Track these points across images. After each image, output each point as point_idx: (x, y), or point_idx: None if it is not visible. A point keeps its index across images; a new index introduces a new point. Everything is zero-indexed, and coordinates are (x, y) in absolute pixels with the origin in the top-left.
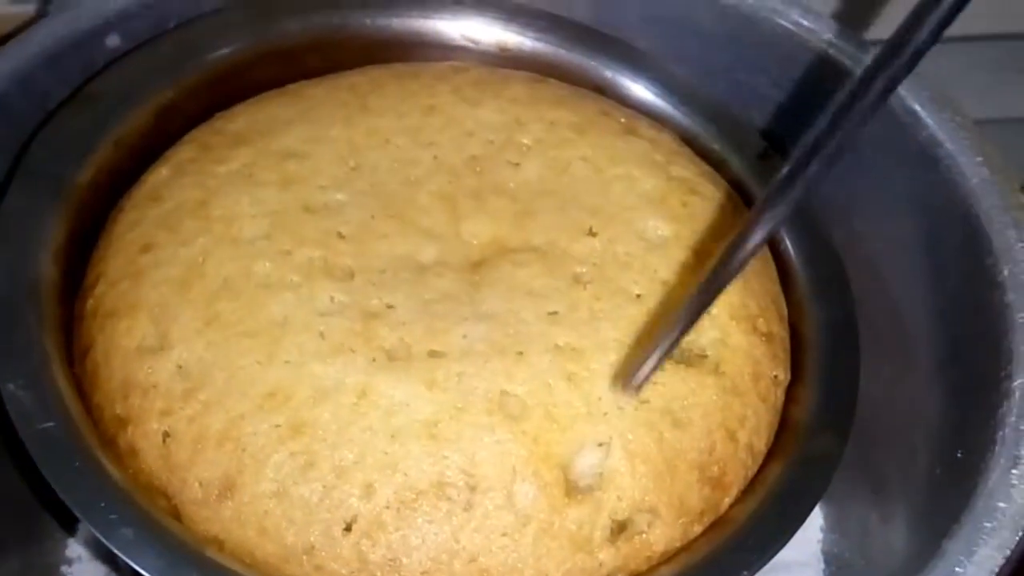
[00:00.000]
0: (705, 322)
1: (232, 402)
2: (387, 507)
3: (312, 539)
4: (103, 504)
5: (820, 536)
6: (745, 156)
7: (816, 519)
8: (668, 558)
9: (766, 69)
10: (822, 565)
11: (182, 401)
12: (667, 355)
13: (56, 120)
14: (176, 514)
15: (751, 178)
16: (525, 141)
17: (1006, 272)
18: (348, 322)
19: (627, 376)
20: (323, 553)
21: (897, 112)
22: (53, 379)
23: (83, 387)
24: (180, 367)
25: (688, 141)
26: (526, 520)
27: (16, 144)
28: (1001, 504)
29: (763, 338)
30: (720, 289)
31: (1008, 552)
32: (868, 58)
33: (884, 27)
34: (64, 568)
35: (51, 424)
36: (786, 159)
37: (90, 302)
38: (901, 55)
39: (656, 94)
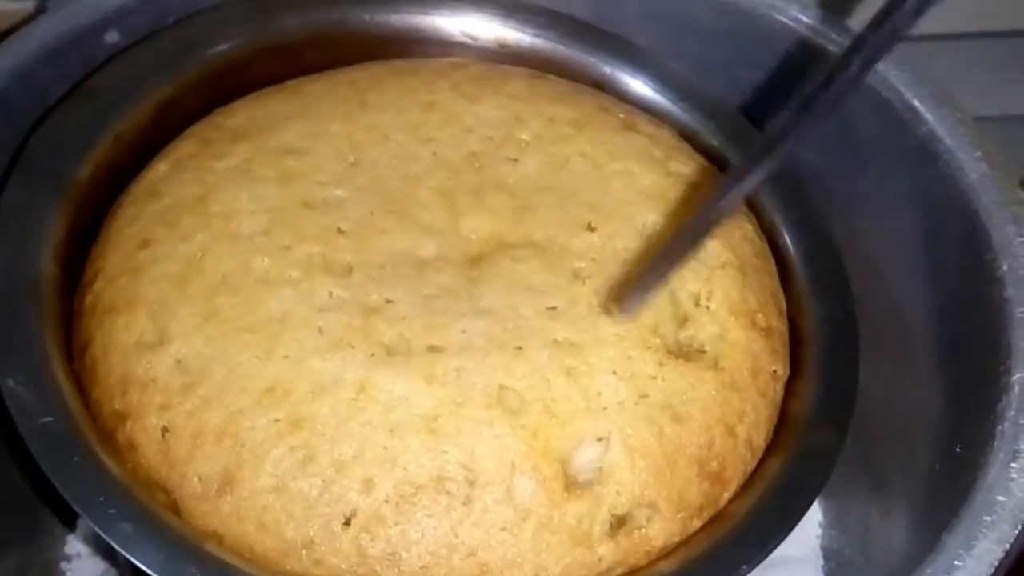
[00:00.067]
0: (704, 317)
1: (231, 397)
2: (386, 501)
3: (311, 533)
4: (102, 499)
5: (819, 532)
6: (744, 152)
7: (815, 515)
8: (667, 553)
9: (765, 65)
10: (821, 561)
11: (181, 396)
12: (659, 284)
13: (55, 116)
14: (175, 509)
15: None
16: (524, 137)
17: (1005, 267)
18: (347, 317)
19: (619, 300)
20: (322, 547)
21: (897, 108)
22: (52, 375)
23: (82, 383)
24: (179, 362)
25: (687, 137)
26: (525, 515)
27: (15, 140)
28: (1000, 498)
29: (762, 333)
30: (720, 220)
31: (1007, 546)
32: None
33: None
34: (63, 564)
35: (50, 419)
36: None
37: (89, 298)
38: (880, 33)
39: (655, 90)
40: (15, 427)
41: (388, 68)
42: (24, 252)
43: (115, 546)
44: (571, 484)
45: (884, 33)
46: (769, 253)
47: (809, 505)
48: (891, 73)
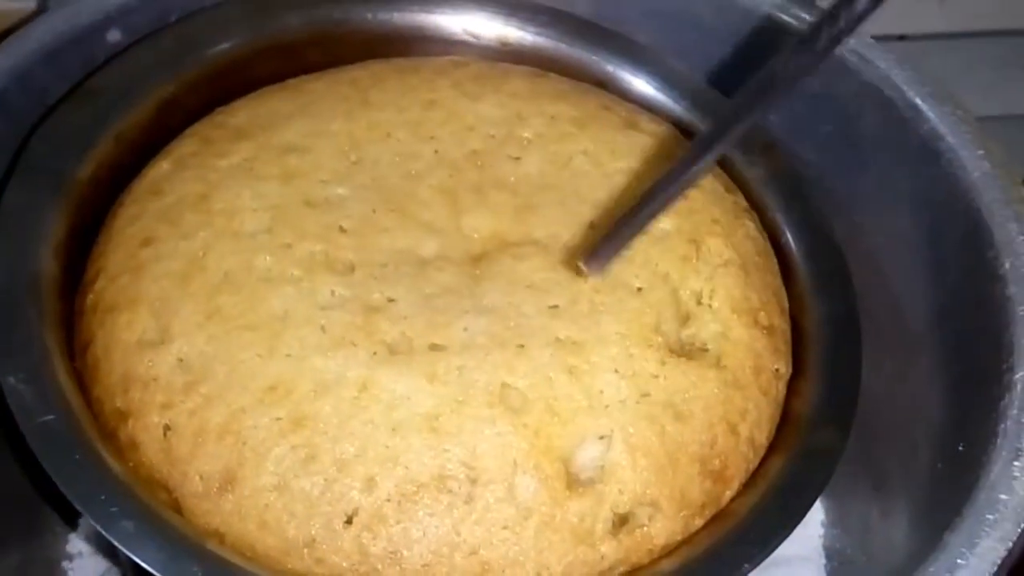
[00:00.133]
0: (707, 315)
1: (233, 395)
2: (388, 500)
3: (313, 532)
4: (104, 497)
5: (821, 531)
6: (747, 151)
7: (817, 514)
8: (669, 551)
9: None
10: (823, 560)
11: (183, 394)
12: (629, 242)
13: (56, 115)
14: (177, 507)
15: (753, 173)
16: (526, 135)
17: (1007, 265)
18: (349, 316)
19: (587, 259)
20: (324, 546)
21: (899, 107)
22: (54, 373)
23: (84, 381)
24: (181, 360)
25: (689, 135)
26: (527, 513)
27: (16, 140)
28: (1003, 496)
29: (764, 331)
30: (694, 180)
31: (1010, 544)
32: (868, 52)
33: (885, 22)
34: (65, 563)
35: (52, 418)
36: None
37: (90, 297)
38: (849, 10)
39: (657, 88)
40: (16, 425)
41: (389, 66)
42: (25, 251)
43: (117, 544)
44: (573, 482)
45: (854, 8)
46: (771, 251)
47: (811, 504)
48: (893, 72)
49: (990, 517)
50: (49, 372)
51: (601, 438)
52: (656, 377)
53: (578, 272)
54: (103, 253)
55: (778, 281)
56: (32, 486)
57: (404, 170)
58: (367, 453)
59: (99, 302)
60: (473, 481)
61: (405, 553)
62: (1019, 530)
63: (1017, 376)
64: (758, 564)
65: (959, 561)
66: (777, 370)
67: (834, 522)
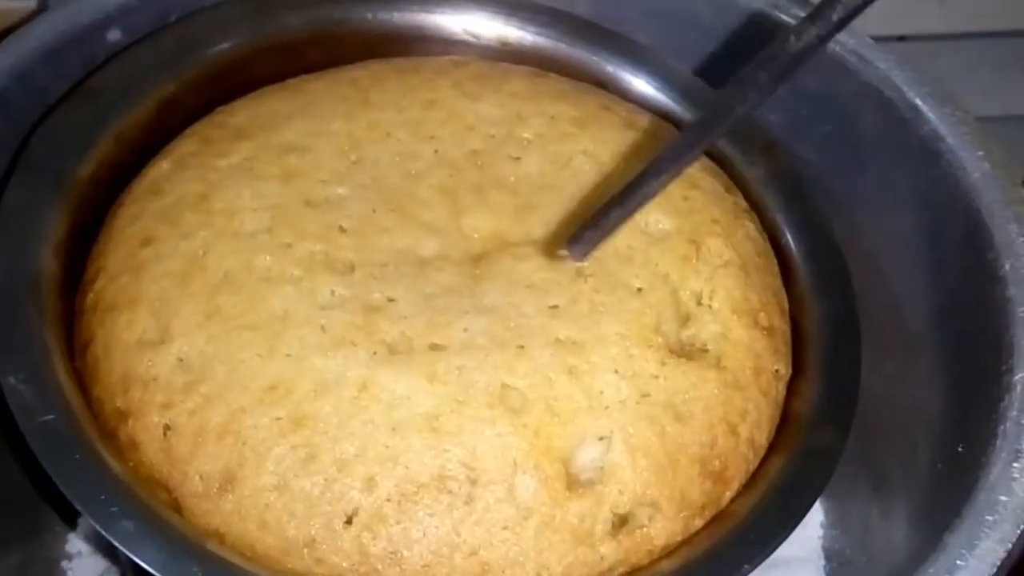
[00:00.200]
0: (707, 316)
1: (233, 395)
2: (388, 500)
3: (313, 532)
4: (104, 497)
5: (820, 532)
6: (747, 151)
7: (816, 515)
8: (669, 552)
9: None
10: (822, 561)
11: (183, 394)
12: (614, 229)
13: (57, 114)
14: (177, 507)
15: (753, 173)
16: (526, 135)
17: (1007, 267)
18: (349, 315)
19: (570, 243)
20: (324, 546)
21: (899, 107)
22: (54, 373)
23: (84, 381)
24: (181, 360)
25: None
26: (527, 513)
27: (16, 139)
28: (1003, 497)
29: (764, 332)
30: (679, 169)
31: (1010, 545)
32: (868, 53)
33: (885, 22)
34: (64, 563)
35: (52, 417)
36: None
37: (90, 296)
38: (842, 4)
39: (657, 89)
40: (16, 425)
41: (389, 66)
42: (25, 250)
43: (116, 544)
44: (573, 483)
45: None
46: (771, 252)
47: (811, 505)
48: (893, 72)
49: (989, 518)
50: (49, 372)
51: (601, 439)
52: (656, 378)
53: (559, 257)
54: (103, 252)
55: (778, 282)
56: (32, 486)
57: (404, 170)
58: (367, 453)
59: (99, 301)
60: (473, 481)
61: (405, 553)
62: (1018, 531)
63: (1017, 377)
64: (758, 565)
65: (958, 562)
66: (777, 371)
67: (834, 523)
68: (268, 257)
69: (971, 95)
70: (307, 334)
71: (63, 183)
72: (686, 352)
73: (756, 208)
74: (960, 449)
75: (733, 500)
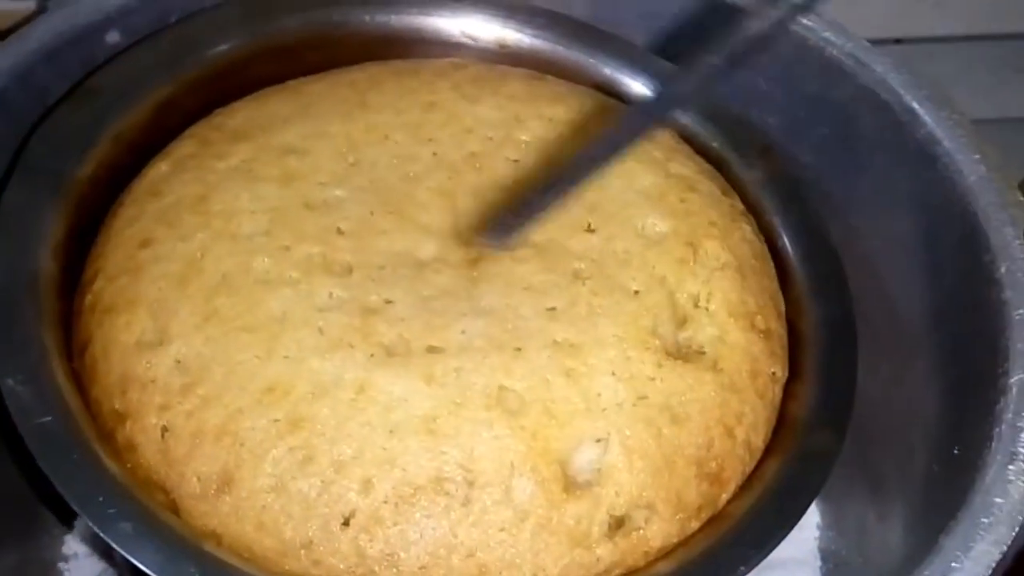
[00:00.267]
0: (703, 318)
1: (231, 397)
2: (385, 502)
3: (310, 534)
4: (101, 498)
5: (817, 534)
6: (744, 154)
7: (813, 517)
8: (666, 554)
9: (764, 67)
10: (819, 562)
11: (180, 396)
12: (541, 214)
13: (55, 115)
14: (174, 508)
15: (750, 176)
16: (524, 138)
17: (1003, 269)
18: (347, 318)
19: (490, 227)
20: (321, 548)
21: (895, 110)
22: (52, 374)
23: (82, 382)
24: (179, 362)
25: (687, 139)
26: (524, 515)
27: (15, 139)
28: (998, 500)
29: (761, 335)
30: (613, 158)
31: (1005, 548)
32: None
33: (882, 25)
34: (61, 564)
35: (49, 418)
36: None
37: (89, 297)
38: None
39: (654, 91)
40: (14, 426)
41: (388, 69)
42: (24, 251)
43: (114, 546)
44: (570, 485)
45: None
46: (768, 255)
47: (807, 506)
48: (889, 75)
49: (985, 520)
50: (47, 373)
51: (598, 441)
52: (653, 380)
53: (471, 244)
54: (102, 254)
55: (775, 284)
56: (29, 487)
57: (402, 172)
58: (364, 455)
59: (97, 303)
60: (470, 483)
61: (402, 555)
62: (1013, 534)
63: (1012, 380)
64: (754, 566)
65: (954, 564)
66: (774, 373)
67: (830, 525)
68: (266, 259)
69: (968, 98)
70: (305, 336)
71: (62, 184)
72: (683, 354)
73: (753, 211)
74: (956, 451)
75: (729, 502)
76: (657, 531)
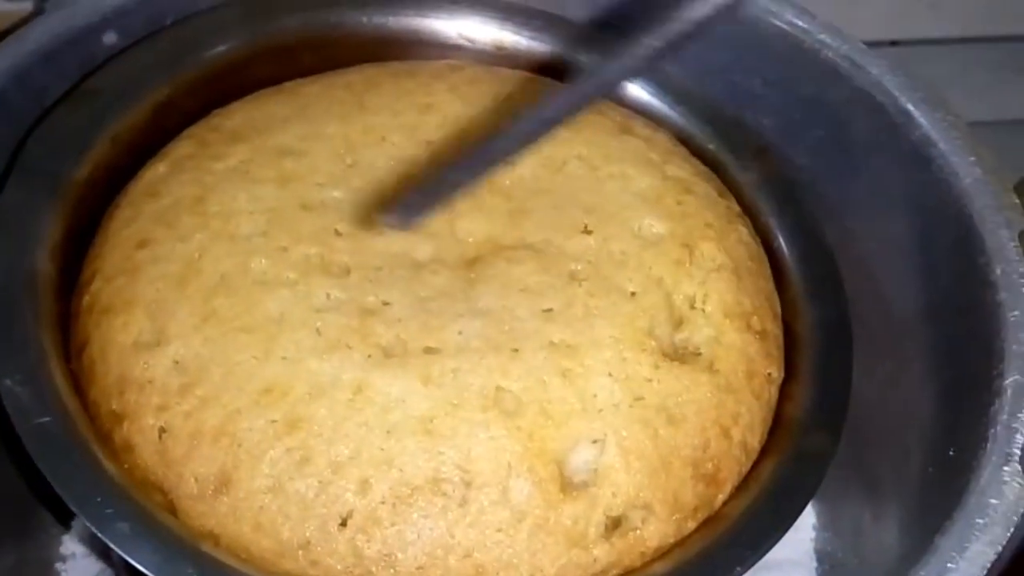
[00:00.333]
0: (700, 319)
1: (228, 398)
2: (383, 502)
3: (308, 534)
4: (99, 499)
5: (813, 535)
6: (740, 156)
7: (808, 518)
8: (662, 554)
9: (760, 69)
10: (814, 563)
11: (178, 397)
12: (448, 198)
13: (53, 117)
14: (172, 509)
15: (746, 178)
16: None
17: (998, 271)
18: (344, 319)
19: (394, 208)
20: (319, 548)
21: (890, 112)
22: (50, 375)
23: (80, 383)
24: (176, 363)
25: (684, 141)
26: (521, 516)
27: (13, 141)
28: (993, 501)
29: (757, 336)
30: (534, 139)
31: (1000, 548)
32: (861, 58)
33: (877, 27)
34: (59, 565)
35: (48, 419)
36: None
37: (86, 298)
38: None
39: (651, 94)
40: (12, 427)
41: (385, 70)
42: (22, 252)
43: (112, 546)
44: (567, 485)
45: None
46: (764, 256)
47: (803, 507)
48: (885, 77)
49: (980, 521)
50: (46, 374)
51: (595, 441)
52: (649, 381)
53: (371, 227)
54: (99, 255)
55: (771, 286)
56: (27, 487)
57: (400, 174)
58: (362, 455)
59: (95, 304)
60: (467, 484)
61: (399, 555)
62: (1008, 534)
63: (1007, 381)
64: (750, 567)
65: (949, 565)
66: (769, 374)
67: (825, 525)
68: (264, 260)
69: (963, 100)
70: (302, 337)
71: (59, 185)
72: (679, 355)
73: (749, 212)
74: (951, 453)
75: (726, 503)
76: (654, 531)
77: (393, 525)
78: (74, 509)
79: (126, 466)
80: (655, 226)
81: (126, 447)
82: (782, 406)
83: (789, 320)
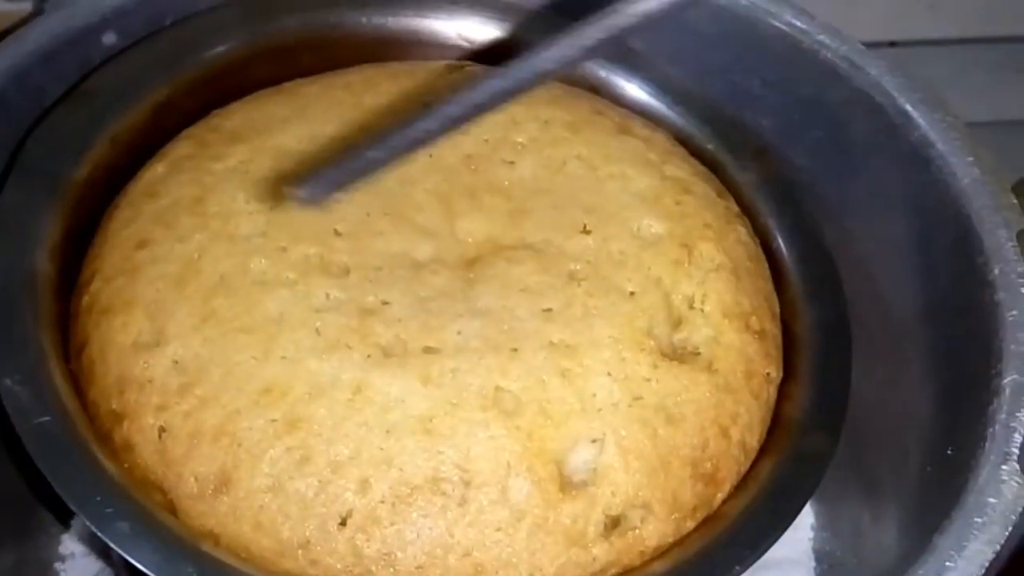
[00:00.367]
0: (698, 319)
1: (228, 397)
2: (382, 502)
3: (307, 534)
4: (99, 499)
5: (811, 534)
6: (739, 156)
7: (807, 517)
8: (661, 553)
9: (759, 70)
10: (813, 563)
11: (178, 396)
12: (362, 176)
13: (52, 117)
14: (172, 509)
15: (745, 178)
16: (520, 140)
17: (997, 271)
18: (344, 318)
19: (306, 182)
20: (318, 547)
21: (889, 113)
22: (49, 375)
23: (79, 383)
24: (176, 363)
25: (682, 141)
26: (520, 515)
27: (12, 141)
28: (991, 500)
29: (756, 336)
30: (458, 123)
31: (998, 547)
32: (860, 59)
33: (876, 28)
34: (58, 565)
35: (47, 419)
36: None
37: (86, 298)
38: None
39: (650, 94)
40: (12, 427)
41: (384, 71)
42: (21, 253)
43: (112, 545)
44: (566, 485)
45: None
46: (763, 256)
47: (802, 507)
48: (883, 78)
49: (978, 520)
50: (45, 374)
51: (594, 441)
52: (648, 380)
53: (284, 197)
54: (98, 255)
55: (769, 286)
56: (27, 487)
57: (399, 174)
58: (361, 455)
59: (94, 304)
60: (467, 483)
61: (399, 555)
62: (1006, 533)
63: (1006, 381)
64: (749, 566)
65: (948, 564)
66: (768, 374)
67: (824, 525)
68: (263, 260)
69: (962, 101)
70: (302, 337)
71: (58, 186)
72: (678, 355)
73: (748, 213)
74: (950, 452)
75: (724, 502)
76: (653, 531)
77: (393, 524)
78: (74, 509)
79: (126, 466)
80: (654, 226)
81: (126, 447)
82: (781, 406)
83: (788, 320)
